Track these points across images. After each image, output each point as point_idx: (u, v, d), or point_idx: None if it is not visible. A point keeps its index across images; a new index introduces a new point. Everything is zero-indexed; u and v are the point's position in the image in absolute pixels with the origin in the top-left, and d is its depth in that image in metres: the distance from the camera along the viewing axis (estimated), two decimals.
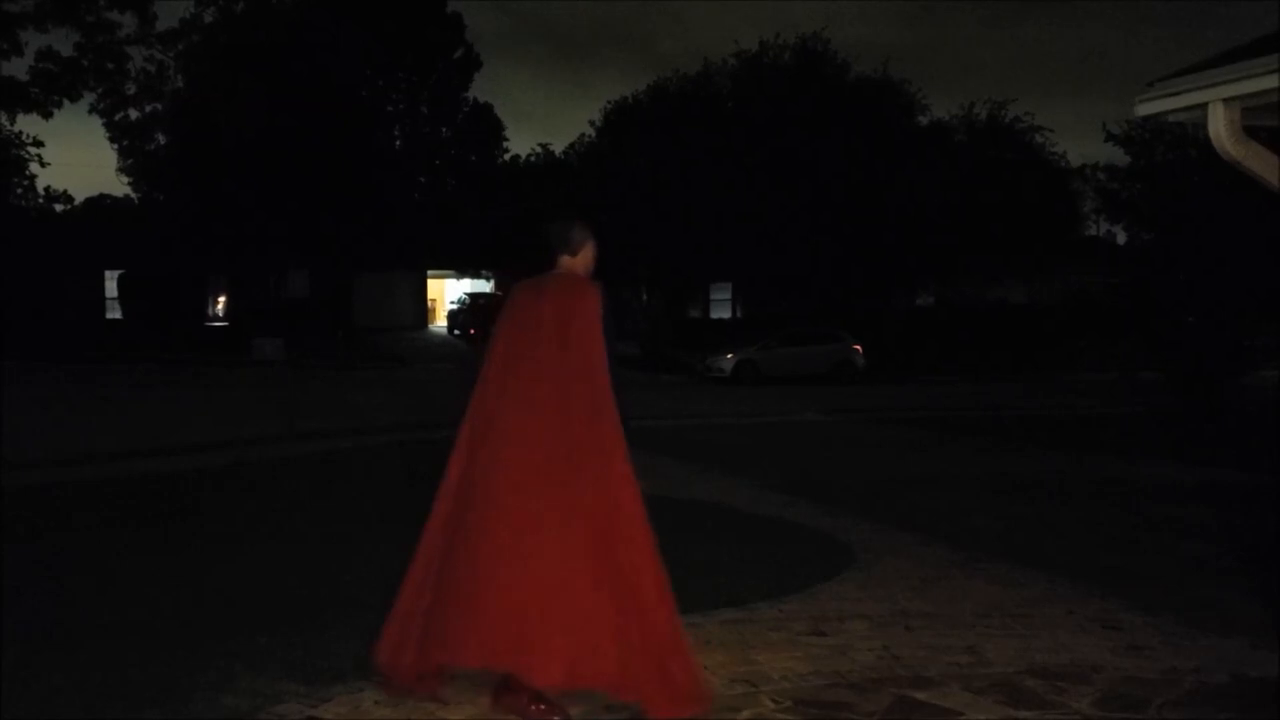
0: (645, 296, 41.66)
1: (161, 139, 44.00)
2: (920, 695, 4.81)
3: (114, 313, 44.83)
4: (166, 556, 7.65)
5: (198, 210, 39.80)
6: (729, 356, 29.25)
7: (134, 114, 43.21)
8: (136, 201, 46.17)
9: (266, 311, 40.66)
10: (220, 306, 49.94)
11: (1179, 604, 6.23)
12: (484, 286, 55.01)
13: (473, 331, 45.29)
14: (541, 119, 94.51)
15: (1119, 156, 29.66)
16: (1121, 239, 38.89)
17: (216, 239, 39.80)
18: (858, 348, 30.20)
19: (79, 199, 46.09)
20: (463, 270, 54.29)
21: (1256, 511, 8.94)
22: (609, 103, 43.22)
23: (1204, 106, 4.59)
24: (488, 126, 47.47)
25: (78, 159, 70.68)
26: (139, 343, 37.07)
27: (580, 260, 4.75)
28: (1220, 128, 4.53)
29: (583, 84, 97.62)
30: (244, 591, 6.66)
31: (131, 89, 42.19)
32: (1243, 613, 6.03)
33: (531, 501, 4.25)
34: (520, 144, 64.76)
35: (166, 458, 12.76)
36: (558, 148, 48.21)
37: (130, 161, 44.66)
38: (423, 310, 53.57)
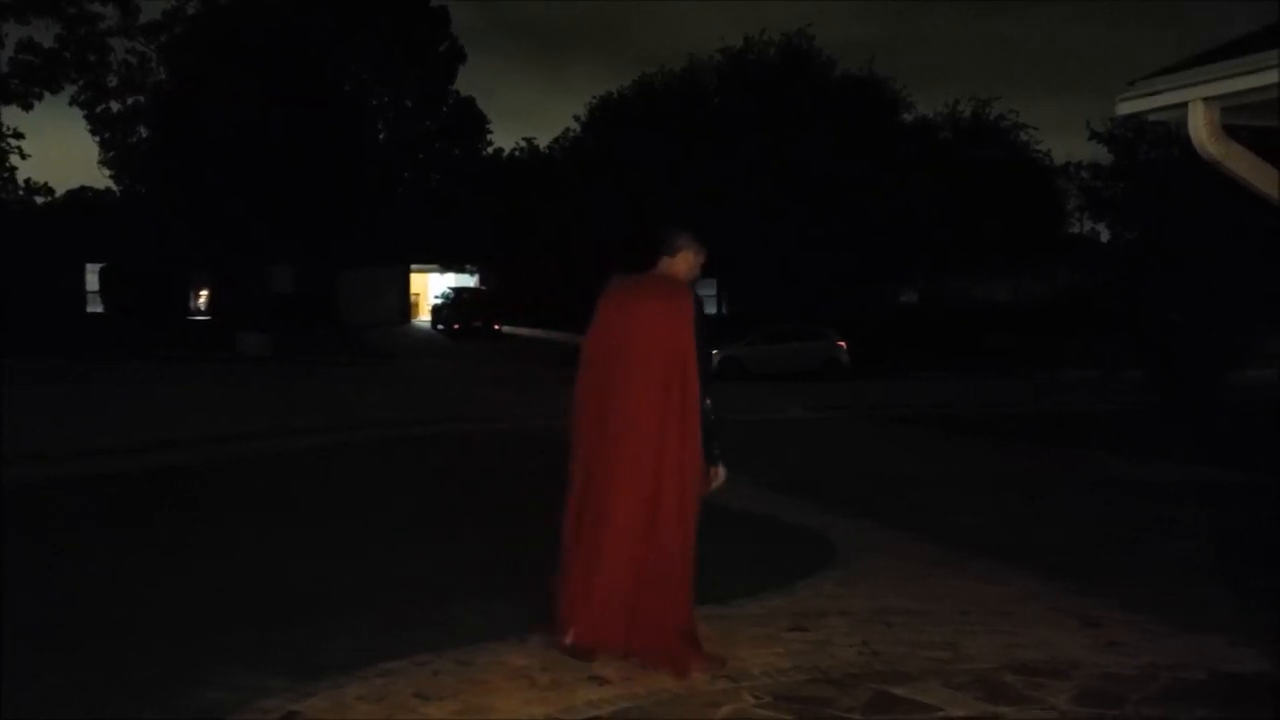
0: None
1: (144, 132, 43.79)
2: (899, 691, 4.83)
3: (95, 306, 44.62)
4: (149, 553, 7.64)
5: (181, 204, 39.63)
6: (714, 353, 29.29)
7: (116, 106, 43.01)
8: (118, 194, 45.96)
9: (251, 306, 40.53)
10: (203, 301, 49.76)
11: (1159, 601, 6.27)
12: (468, 281, 54.96)
13: (457, 326, 45.26)
14: (523, 114, 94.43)
15: (1103, 155, 29.78)
16: (1105, 237, 39.12)
17: (200, 233, 39.64)
18: (843, 344, 30.28)
19: (60, 192, 45.86)
20: (447, 265, 54.23)
21: (1239, 510, 9.01)
22: (594, 98, 43.31)
23: (1184, 106, 4.61)
24: (472, 120, 47.41)
25: (59, 152, 70.26)
26: (121, 337, 36.91)
27: (678, 264, 5.23)
28: (1200, 127, 4.56)
29: (562, 80, 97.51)
30: (228, 587, 6.65)
31: (113, 81, 41.94)
32: (1222, 611, 6.08)
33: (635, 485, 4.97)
34: (503, 139, 64.69)
35: (147, 454, 12.70)
36: (542, 142, 48.23)
37: (112, 154, 44.44)
38: (406, 305, 53.51)
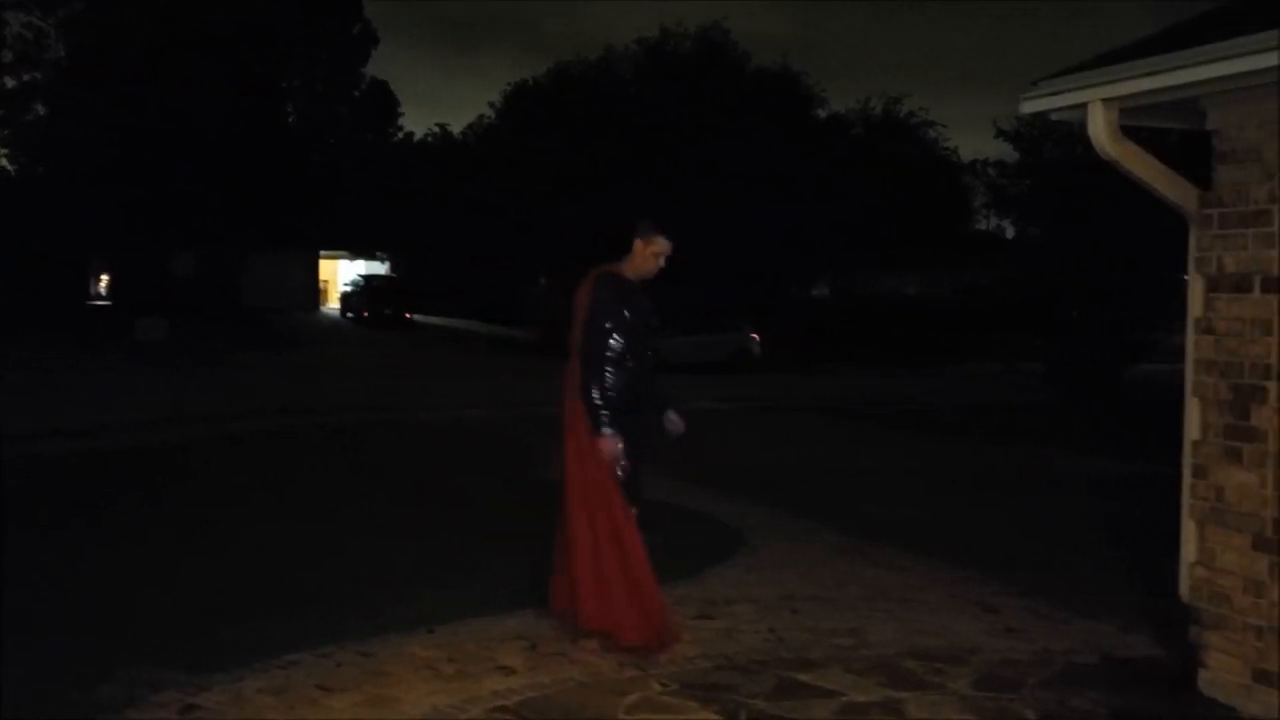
0: (543, 282, 41.50)
1: (41, 109, 42.31)
2: (803, 677, 4.89)
3: None
4: (32, 546, 7.38)
5: (80, 185, 38.37)
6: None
7: (10, 82, 41.43)
8: (14, 174, 44.38)
9: (151, 292, 39.48)
10: (104, 286, 48.37)
11: (1055, 588, 6.43)
12: (379, 268, 54.21)
13: (366, 314, 44.64)
14: (433, 100, 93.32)
15: (1009, 153, 30.45)
16: (1010, 233, 40.01)
17: (99, 215, 38.43)
18: (755, 336, 30.52)
19: None
20: (357, 251, 53.42)
21: (1132, 500, 9.28)
22: (509, 85, 42.95)
23: (1084, 106, 4.72)
24: (384, 104, 46.69)
25: None
26: (12, 321, 35.64)
27: (630, 257, 5.52)
28: (1099, 127, 4.67)
29: (473, 69, 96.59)
30: (120, 582, 6.48)
31: (8, 56, 40.42)
32: (1114, 597, 6.26)
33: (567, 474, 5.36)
34: (413, 125, 63.72)
35: (29, 443, 12.27)
36: (455, 128, 47.76)
37: (6, 132, 42.87)
38: (314, 292, 52.61)
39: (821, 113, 39.50)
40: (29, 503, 8.90)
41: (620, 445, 5.22)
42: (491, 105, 43.98)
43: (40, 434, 12.74)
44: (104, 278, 48.64)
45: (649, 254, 5.47)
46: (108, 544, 7.49)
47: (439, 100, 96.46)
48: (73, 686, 4.71)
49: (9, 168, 44.39)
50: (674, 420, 5.55)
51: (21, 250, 41.11)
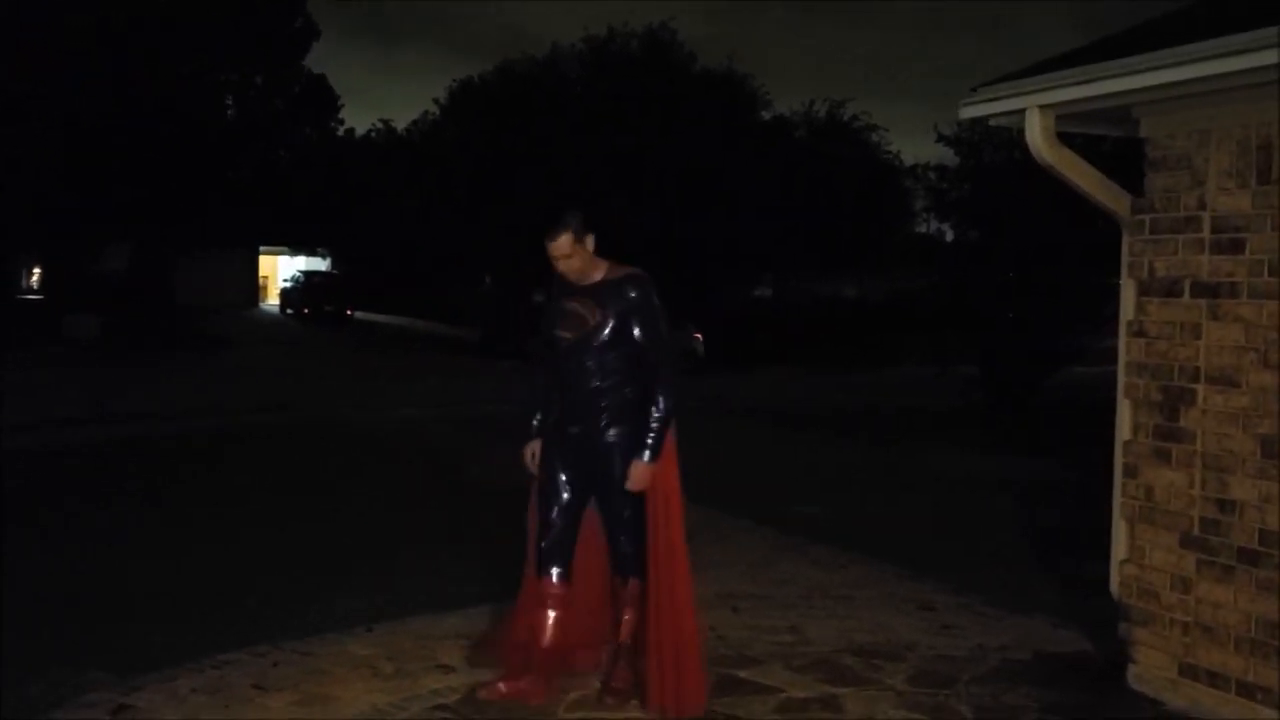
0: (487, 281, 41.31)
1: None
2: (743, 674, 4.93)
3: None
4: None
5: (6, 175, 37.48)
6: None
7: None
8: None
9: (81, 287, 38.66)
10: (35, 280, 47.37)
11: (989, 586, 6.53)
12: (320, 265, 53.61)
13: (306, 311, 44.12)
14: (372, 96, 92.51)
15: (949, 157, 30.82)
16: (950, 237, 40.50)
17: (26, 207, 37.57)
18: (699, 336, 30.59)
19: None
20: (297, 247, 52.80)
21: (1061, 502, 9.44)
22: (454, 81, 42.66)
23: (1022, 112, 4.81)
24: (323, 99, 46.13)
25: None
26: None
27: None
28: (1036, 133, 4.76)
29: (403, 66, 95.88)
30: (45, 583, 6.36)
31: None
32: (1046, 595, 6.37)
33: None
34: (355, 120, 63.04)
35: None
36: (399, 125, 47.35)
37: None
38: (253, 288, 51.93)
39: (766, 114, 39.72)
40: None
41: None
42: (436, 101, 43.70)
43: None
44: (36, 272, 47.65)
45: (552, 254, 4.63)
46: (29, 545, 7.33)
47: (366, 97, 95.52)
48: (2, 688, 4.61)
49: None
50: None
51: None
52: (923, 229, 44.45)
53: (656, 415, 4.50)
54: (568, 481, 4.62)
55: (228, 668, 4.91)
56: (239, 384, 20.77)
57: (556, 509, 4.62)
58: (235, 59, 42.77)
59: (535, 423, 4.79)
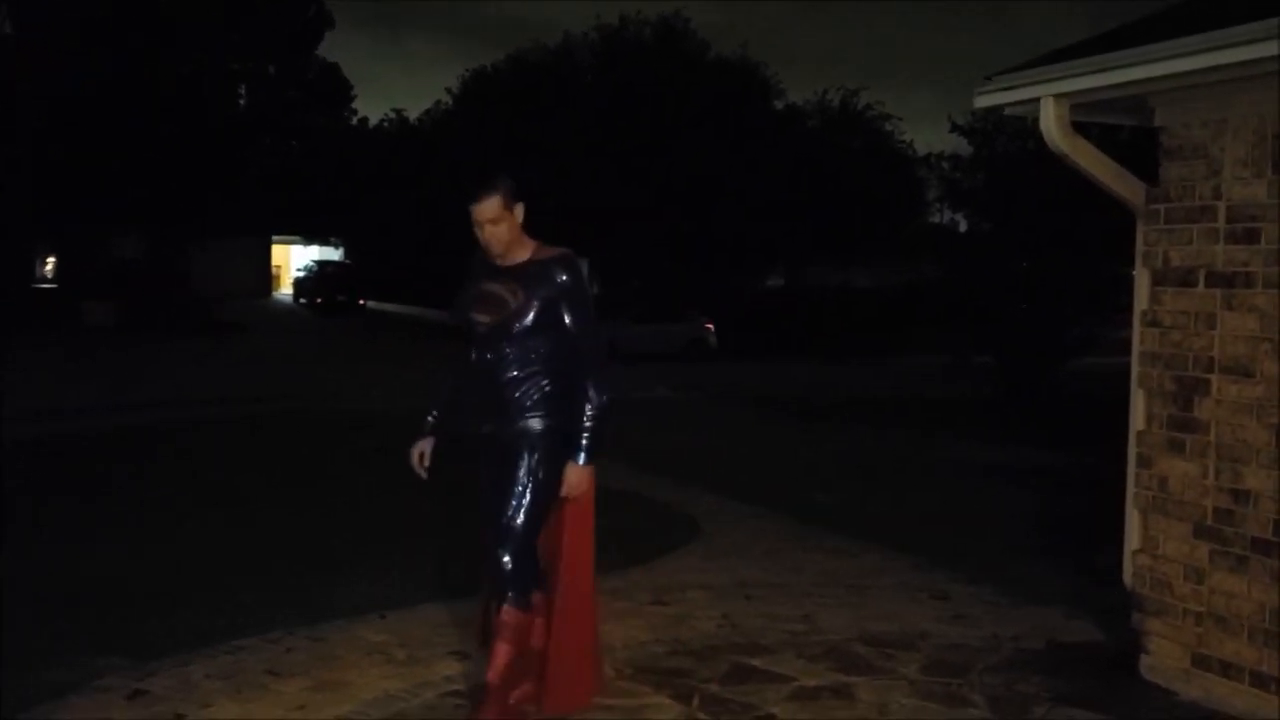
0: None
1: None
2: (756, 662, 4.94)
3: None
4: None
5: (25, 164, 37.62)
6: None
7: None
8: None
9: (96, 275, 38.85)
10: (50, 268, 47.52)
11: (1002, 576, 6.53)
12: (333, 254, 53.71)
13: (319, 301, 44.23)
14: (381, 84, 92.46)
15: (963, 146, 30.70)
16: (963, 227, 40.34)
17: (45, 195, 37.72)
18: (710, 326, 30.59)
19: None
20: (310, 236, 52.91)
21: (1075, 492, 9.43)
22: (466, 70, 42.66)
23: (1037, 101, 4.79)
24: (336, 89, 46.16)
25: None
26: None
27: None
28: (1050, 122, 4.74)
29: (413, 51, 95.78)
30: (62, 570, 6.41)
31: None
32: (1058, 585, 6.37)
33: None
34: (366, 110, 62.95)
35: None
36: (412, 114, 47.35)
37: None
38: (267, 277, 52.08)
39: (779, 104, 39.61)
40: None
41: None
42: (449, 90, 43.70)
43: None
44: (49, 260, 47.79)
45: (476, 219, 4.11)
46: (42, 532, 7.38)
47: (375, 86, 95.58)
48: (16, 674, 4.65)
49: None
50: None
51: None
52: (936, 219, 44.32)
53: (592, 411, 4.03)
54: (493, 495, 4.11)
55: (241, 653, 4.94)
56: (251, 371, 20.86)
57: (491, 527, 4.11)
58: (248, 48, 42.82)
59: (430, 419, 4.31)
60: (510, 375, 4.03)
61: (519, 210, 4.09)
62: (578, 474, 4.05)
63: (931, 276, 33.49)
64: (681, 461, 11.02)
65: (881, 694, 4.60)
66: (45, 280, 45.84)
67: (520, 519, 4.00)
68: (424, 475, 4.23)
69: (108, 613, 5.53)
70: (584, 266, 4.17)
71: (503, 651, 4.03)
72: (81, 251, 41.90)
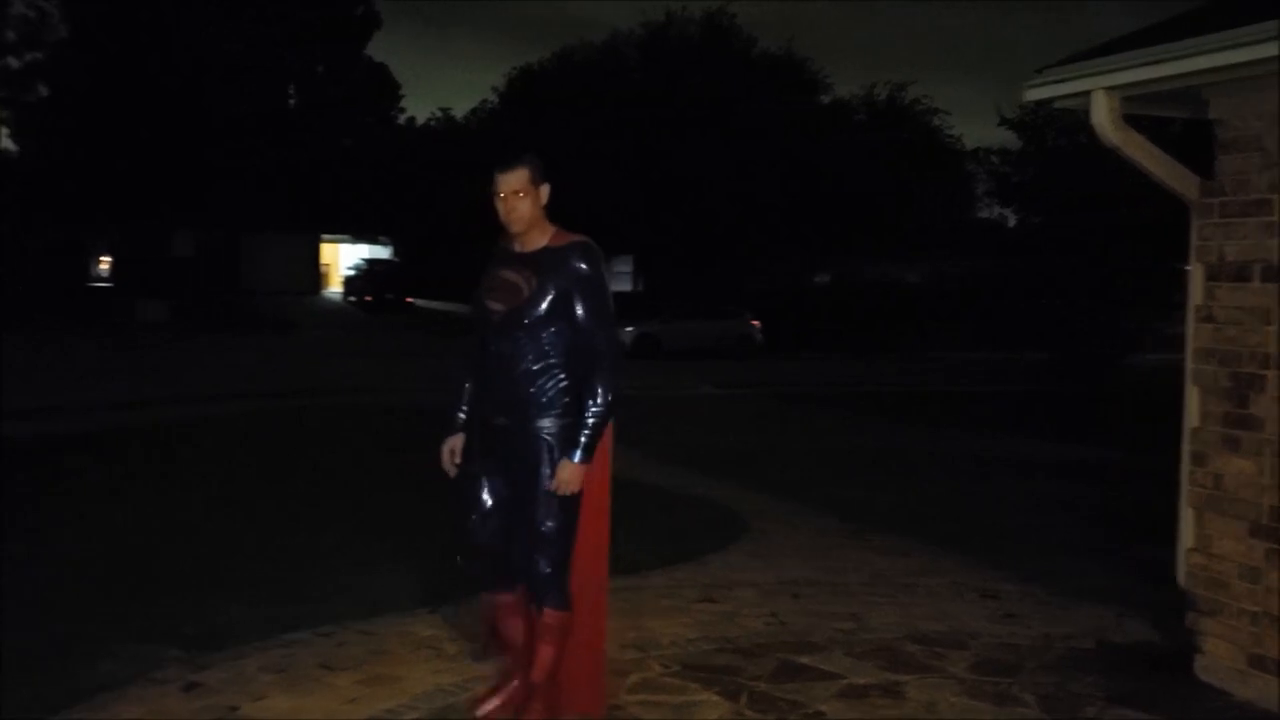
0: None
1: (44, 90, 42.26)
2: (805, 660, 4.93)
3: None
4: (31, 525, 7.44)
5: (81, 165, 38.33)
6: (629, 329, 29.27)
7: (14, 63, 41.43)
8: (16, 155, 44.34)
9: (151, 273, 39.52)
10: (104, 267, 48.38)
11: (1052, 575, 6.47)
12: (382, 253, 54.18)
13: (368, 298, 44.63)
14: (433, 84, 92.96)
15: (1012, 141, 30.42)
16: (1012, 222, 39.97)
17: (100, 196, 38.42)
18: (756, 323, 30.53)
19: None
20: (359, 235, 53.40)
21: (1126, 489, 9.32)
22: (513, 69, 42.87)
23: (1088, 94, 4.74)
24: (384, 87, 46.57)
25: None
26: (13, 303, 35.66)
27: None
28: (1102, 115, 4.69)
29: (456, 49, 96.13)
30: (119, 560, 6.53)
31: (11, 36, 40.40)
32: (1110, 584, 6.29)
33: None
34: (412, 108, 63.30)
35: (30, 421, 12.35)
36: (459, 113, 47.68)
37: (9, 113, 42.83)
38: (316, 275, 52.61)
39: (825, 98, 39.45)
40: (23, 482, 8.95)
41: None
42: (495, 89, 43.95)
43: (34, 413, 12.84)
44: (105, 259, 48.64)
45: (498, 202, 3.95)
46: (96, 524, 7.52)
47: (418, 84, 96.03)
48: (73, 664, 4.75)
49: (12, 149, 44.38)
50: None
51: (23, 231, 41.18)
52: (985, 214, 43.92)
53: (594, 408, 3.83)
54: (492, 488, 3.98)
55: (295, 647, 5.00)
56: (300, 366, 21.13)
57: (478, 517, 3.99)
58: (297, 47, 43.29)
59: (461, 415, 4.10)
60: (525, 368, 3.85)
61: (544, 191, 3.93)
62: (571, 471, 3.82)
63: (981, 271, 33.22)
64: (728, 459, 11.01)
65: (931, 693, 4.57)
66: (100, 279, 46.68)
67: (554, 525, 3.87)
68: (454, 472, 4.11)
69: (162, 605, 5.62)
70: (603, 259, 3.91)
71: (547, 653, 3.97)
72: (136, 251, 42.62)
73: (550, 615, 3.94)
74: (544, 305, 3.81)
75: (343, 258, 55.82)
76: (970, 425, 14.31)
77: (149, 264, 41.19)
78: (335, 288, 52.47)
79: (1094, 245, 19.51)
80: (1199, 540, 4.75)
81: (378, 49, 45.61)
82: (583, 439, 3.82)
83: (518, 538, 3.96)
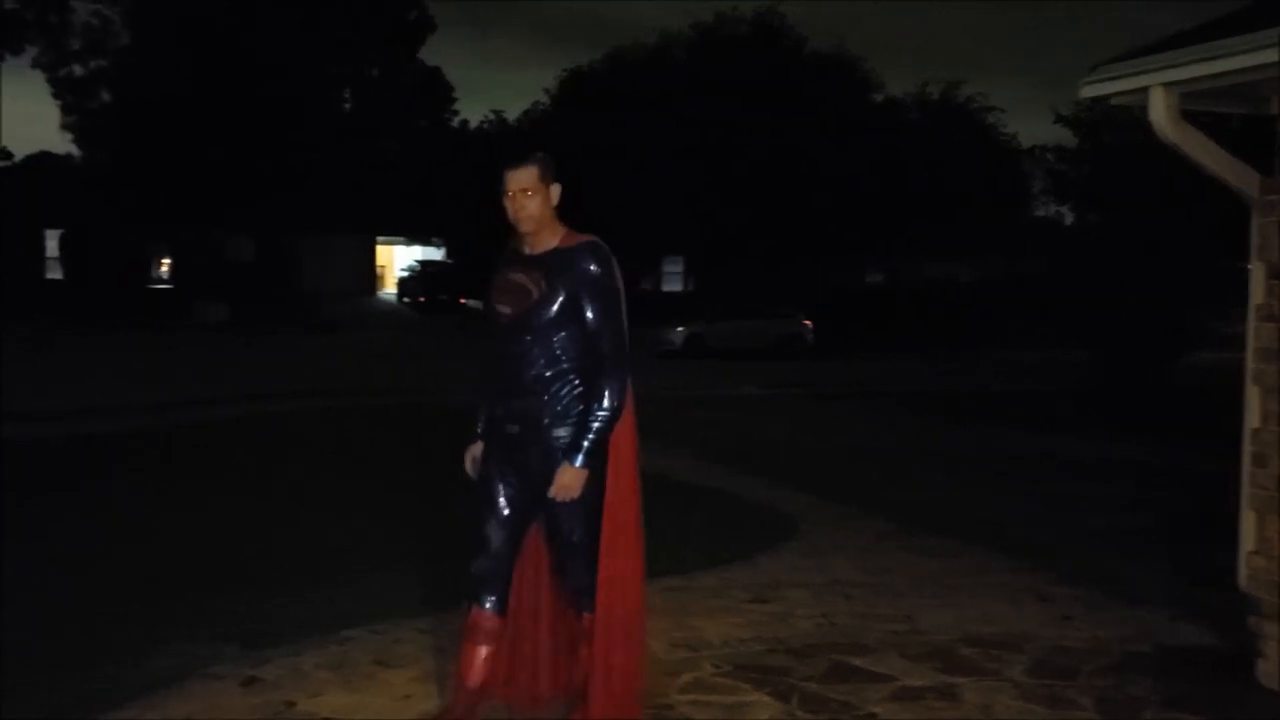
0: None
1: (106, 96, 43.11)
2: (857, 661, 4.91)
3: (55, 273, 43.99)
4: (85, 522, 7.60)
5: (142, 170, 39.04)
6: (679, 329, 29.30)
7: (78, 70, 42.34)
8: (80, 160, 45.26)
9: (210, 274, 40.15)
10: (164, 269, 49.20)
11: (1107, 577, 6.39)
12: (436, 254, 54.59)
13: (422, 300, 45.03)
14: (487, 87, 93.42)
15: (1068, 138, 30.04)
16: (1069, 220, 39.48)
17: (160, 199, 39.09)
18: (807, 323, 30.41)
19: (19, 156, 45.07)
20: (413, 237, 53.85)
21: (1182, 490, 9.17)
22: (564, 70, 43.03)
23: (1145, 91, 4.68)
24: (438, 91, 46.92)
25: (20, 114, 69.03)
26: (77, 303, 36.45)
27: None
28: (1160, 112, 4.63)
29: (501, 51, 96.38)
30: (174, 556, 6.65)
31: (75, 44, 41.30)
32: (1169, 587, 6.21)
33: None
34: (467, 112, 63.93)
35: (88, 420, 12.64)
36: (510, 115, 47.90)
37: (74, 119, 43.75)
38: (371, 276, 53.11)
39: (878, 97, 39.20)
40: (79, 480, 9.15)
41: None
42: (547, 91, 44.13)
43: (93, 411, 13.17)
44: (165, 260, 49.48)
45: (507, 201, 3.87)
46: (155, 521, 7.66)
47: (465, 87, 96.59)
48: (130, 659, 4.84)
49: (76, 154, 45.32)
50: None
51: (89, 234, 42.08)
52: (1041, 212, 43.40)
53: (599, 412, 3.70)
54: (506, 492, 3.84)
55: (350, 644, 5.07)
56: (355, 366, 21.38)
57: (492, 524, 3.84)
58: (351, 52, 43.75)
59: (481, 423, 4.00)
60: (536, 372, 3.73)
61: (554, 191, 3.82)
62: (571, 475, 3.69)
63: (1036, 270, 32.83)
64: (776, 459, 10.99)
65: (986, 695, 4.54)
66: (160, 281, 47.47)
67: (584, 531, 3.78)
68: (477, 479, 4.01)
69: (218, 602, 5.70)
70: (613, 260, 3.80)
71: (589, 653, 3.88)
72: (195, 253, 43.32)
73: (590, 620, 3.86)
74: (554, 308, 3.71)
75: (397, 259, 56.32)
76: (1024, 425, 14.14)
77: (208, 266, 41.87)
78: (390, 289, 52.97)
79: (1151, 243, 19.22)
80: (1260, 543, 4.67)
81: (430, 53, 45.94)
82: (585, 443, 3.69)
83: (520, 549, 3.88)
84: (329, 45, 42.31)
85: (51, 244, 44.09)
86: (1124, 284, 20.03)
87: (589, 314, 3.72)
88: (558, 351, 3.72)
